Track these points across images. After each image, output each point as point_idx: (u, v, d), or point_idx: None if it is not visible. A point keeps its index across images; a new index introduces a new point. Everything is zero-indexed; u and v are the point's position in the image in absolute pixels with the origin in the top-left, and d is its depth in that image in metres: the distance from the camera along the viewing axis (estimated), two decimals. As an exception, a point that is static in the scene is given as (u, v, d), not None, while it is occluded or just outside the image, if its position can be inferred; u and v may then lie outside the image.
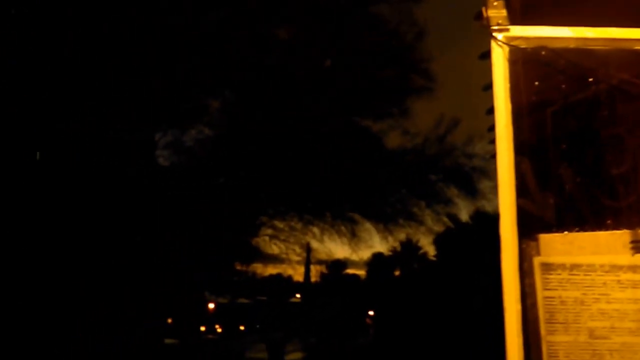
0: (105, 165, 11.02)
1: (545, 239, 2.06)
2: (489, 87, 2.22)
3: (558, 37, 2.18)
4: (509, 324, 1.96)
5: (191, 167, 13.64)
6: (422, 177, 15.36)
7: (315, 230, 15.98)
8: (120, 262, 11.23)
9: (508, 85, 2.14)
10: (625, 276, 2.00)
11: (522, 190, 2.08)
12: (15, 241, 10.30)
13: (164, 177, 12.85)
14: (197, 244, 12.79)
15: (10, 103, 9.98)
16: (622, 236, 2.04)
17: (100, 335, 11.17)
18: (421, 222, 16.09)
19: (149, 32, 10.76)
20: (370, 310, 30.59)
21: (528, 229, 2.06)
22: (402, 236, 19.14)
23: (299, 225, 15.81)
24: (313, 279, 45.42)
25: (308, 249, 19.58)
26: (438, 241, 23.53)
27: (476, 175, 15.50)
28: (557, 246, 2.04)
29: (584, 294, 2.00)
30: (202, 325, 32.91)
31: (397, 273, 36.48)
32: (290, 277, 44.86)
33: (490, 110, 2.19)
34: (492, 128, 2.17)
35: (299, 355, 25.45)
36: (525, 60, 2.19)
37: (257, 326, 40.10)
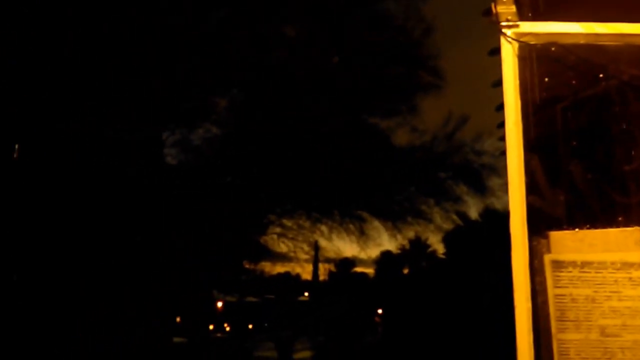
0: (112, 164, 11.05)
1: (555, 236, 2.05)
2: (498, 83, 2.21)
3: (568, 33, 2.16)
4: (520, 322, 1.95)
5: (198, 166, 13.66)
6: (430, 174, 15.32)
7: (324, 228, 15.99)
8: (129, 261, 11.27)
9: (518, 81, 2.13)
10: (637, 273, 1.99)
11: (532, 187, 2.07)
12: (21, 242, 10.35)
13: (172, 176, 12.88)
14: (205, 242, 12.81)
15: (11, 103, 10.01)
16: (634, 233, 2.03)
17: (109, 334, 11.22)
18: (430, 220, 16.07)
19: (154, 32, 10.78)
20: (379, 308, 30.56)
21: (538, 226, 2.04)
22: (410, 234, 19.16)
23: (307, 224, 15.82)
24: (321, 278, 45.48)
25: (316, 248, 19.59)
26: (447, 239, 23.48)
27: (485, 173, 15.46)
28: (567, 243, 2.03)
29: (595, 291, 1.99)
30: (211, 323, 33.01)
31: (405, 271, 36.44)
32: (298, 276, 44.96)
33: (500, 107, 2.18)
34: (501, 125, 2.16)
35: (307, 353, 25.46)
36: (535, 57, 2.18)
37: (266, 325, 40.16)
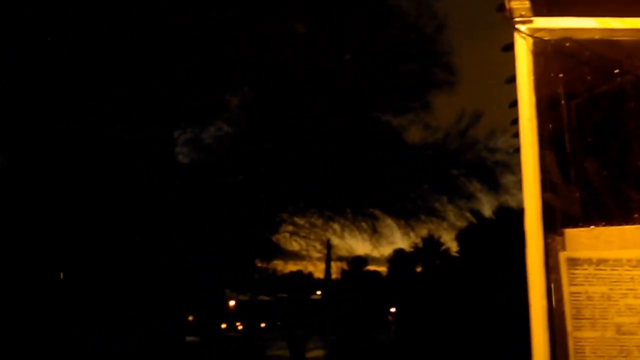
0: (125, 165, 11.09)
1: (571, 233, 2.03)
2: (511, 79, 2.19)
3: (583, 28, 2.14)
4: (535, 320, 1.93)
5: (210, 164, 13.69)
6: (443, 172, 15.27)
7: (336, 226, 15.98)
8: (141, 260, 11.32)
9: (532, 77, 2.11)
10: (654, 271, 1.97)
11: (547, 184, 2.05)
12: (38, 241, 10.43)
13: (184, 175, 12.91)
14: (217, 241, 12.84)
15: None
16: (650, 230, 2.01)
17: (122, 333, 11.27)
18: (443, 218, 16.02)
19: (164, 31, 10.81)
20: (392, 307, 30.54)
21: (553, 223, 2.03)
22: (423, 232, 19.08)
23: (319, 222, 15.82)
24: (334, 276, 45.45)
25: (328, 246, 19.60)
26: (460, 237, 23.40)
27: (499, 170, 15.38)
28: (583, 241, 2.01)
29: (611, 289, 1.97)
30: (223, 322, 33.12)
31: (418, 269, 36.40)
32: (310, 274, 44.95)
33: (514, 103, 2.16)
34: (515, 121, 2.15)
35: (320, 352, 25.47)
36: (549, 52, 2.16)
37: (278, 323, 40.21)
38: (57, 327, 10.60)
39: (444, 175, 15.37)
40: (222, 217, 12.55)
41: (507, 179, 15.47)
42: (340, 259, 26.64)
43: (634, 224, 2.03)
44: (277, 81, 12.63)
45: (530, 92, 2.10)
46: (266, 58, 12.31)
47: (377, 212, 15.84)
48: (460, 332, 17.14)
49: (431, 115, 15.52)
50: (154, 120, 11.51)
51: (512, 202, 18.08)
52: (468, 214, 17.14)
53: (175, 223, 11.91)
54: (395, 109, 14.86)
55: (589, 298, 1.97)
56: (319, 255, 19.07)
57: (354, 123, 13.34)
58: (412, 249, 36.43)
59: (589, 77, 2.18)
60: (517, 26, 2.13)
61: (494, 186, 15.66)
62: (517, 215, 2.07)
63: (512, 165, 14.47)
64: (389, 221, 16.05)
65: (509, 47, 2.19)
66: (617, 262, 1.98)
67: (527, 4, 2.14)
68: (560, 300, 1.98)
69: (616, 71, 2.17)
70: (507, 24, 2.16)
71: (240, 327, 39.06)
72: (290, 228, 15.84)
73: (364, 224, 15.95)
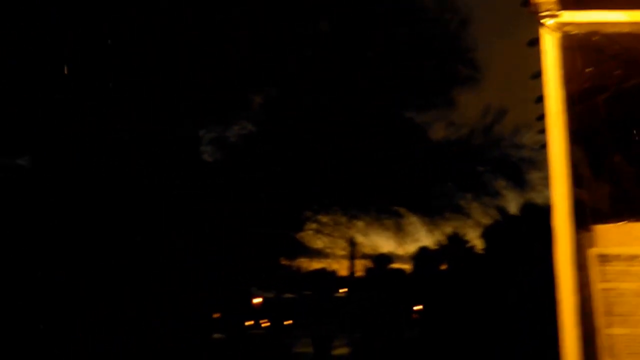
0: (146, 163, 11.17)
1: (600, 229, 2.01)
2: (537, 75, 2.16)
3: (611, 22, 2.11)
4: (565, 317, 1.91)
5: (235, 162, 13.74)
6: (468, 169, 15.17)
7: (360, 224, 15.93)
8: (166, 257, 11.40)
9: (559, 72, 2.09)
10: (685, 267, 1.94)
11: (575, 180, 2.03)
12: (52, 240, 10.54)
13: (209, 173, 12.99)
14: (242, 239, 12.89)
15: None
16: (681, 226, 1.98)
17: (148, 330, 11.36)
18: (468, 215, 15.90)
19: (189, 30, 10.87)
20: (417, 304, 30.43)
21: (582, 220, 2.00)
22: (448, 230, 18.97)
23: (343, 220, 15.79)
24: (358, 274, 45.36)
25: (353, 243, 19.57)
26: (486, 234, 23.21)
27: (525, 166, 15.23)
28: (613, 237, 1.99)
29: (642, 285, 1.94)
30: (249, 320, 33.26)
31: (443, 267, 36.18)
32: (335, 272, 44.89)
33: (540, 99, 2.14)
34: (541, 117, 2.12)
35: (345, 350, 25.47)
36: (576, 47, 2.13)
37: (303, 321, 40.28)
38: (68, 327, 10.68)
39: (469, 173, 15.27)
40: (247, 216, 12.60)
41: (533, 176, 15.32)
42: (365, 256, 26.64)
43: (664, 219, 2.00)
44: (300, 79, 12.65)
45: (557, 87, 2.08)
46: (288, 56, 12.33)
47: (401, 210, 15.78)
48: (486, 330, 17.04)
49: (455, 112, 15.44)
50: (179, 119, 11.59)
51: (538, 199, 17.88)
52: (493, 211, 16.99)
53: (201, 222, 11.99)
54: (418, 106, 14.79)
55: (621, 295, 1.94)
56: (343, 253, 19.04)
57: (377, 120, 13.30)
58: (437, 247, 36.19)
59: (617, 71, 2.15)
60: (543, 20, 2.11)
61: (519, 183, 15.52)
62: (543, 212, 2.05)
63: (538, 161, 14.33)
64: (414, 219, 15.97)
65: (535, 42, 2.16)
66: (648, 259, 1.95)
67: (554, -2, 2.11)
68: (589, 297, 1.96)
69: (646, 65, 2.14)
70: (532, 18, 2.14)
71: (264, 325, 39.21)
72: (314, 226, 15.84)
73: (388, 222, 15.91)
